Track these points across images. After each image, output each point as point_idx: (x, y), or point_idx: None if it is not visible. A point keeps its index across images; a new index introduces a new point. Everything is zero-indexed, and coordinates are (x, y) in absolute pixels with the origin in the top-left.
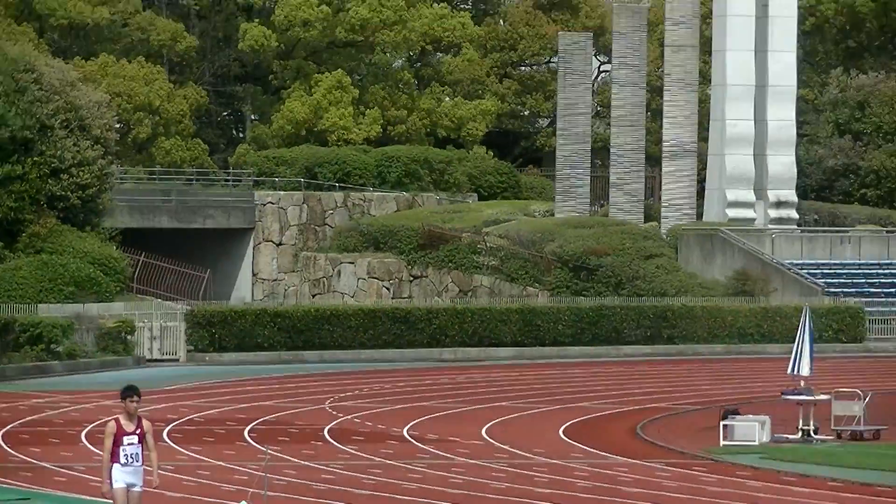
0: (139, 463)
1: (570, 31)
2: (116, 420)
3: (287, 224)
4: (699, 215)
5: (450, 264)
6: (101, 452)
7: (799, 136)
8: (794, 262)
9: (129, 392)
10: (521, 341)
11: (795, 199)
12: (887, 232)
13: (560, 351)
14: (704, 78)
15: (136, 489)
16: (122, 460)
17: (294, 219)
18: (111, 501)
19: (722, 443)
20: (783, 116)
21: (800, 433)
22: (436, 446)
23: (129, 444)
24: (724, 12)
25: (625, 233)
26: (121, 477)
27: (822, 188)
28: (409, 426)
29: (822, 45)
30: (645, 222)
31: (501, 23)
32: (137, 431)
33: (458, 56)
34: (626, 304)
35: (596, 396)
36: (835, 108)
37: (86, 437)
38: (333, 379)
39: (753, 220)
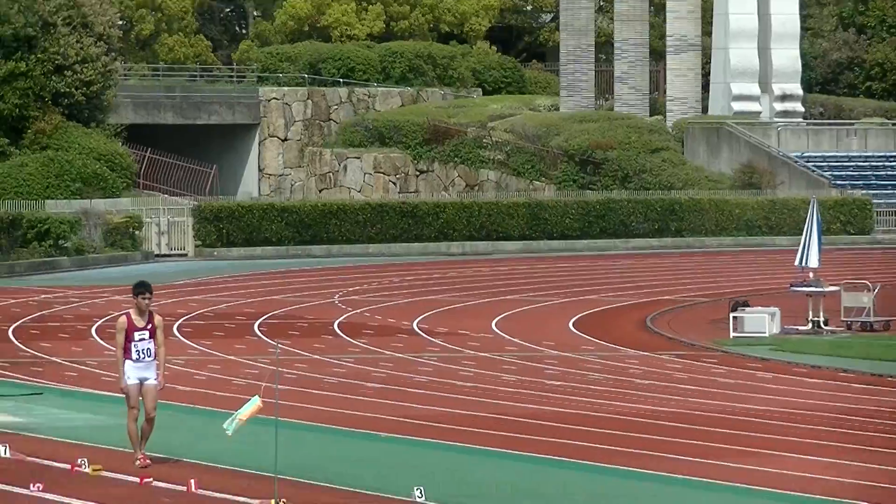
0: (151, 358)
1: None
2: (127, 315)
3: (292, 120)
4: (704, 109)
5: (456, 159)
6: (111, 347)
7: (803, 29)
8: (801, 154)
9: (142, 289)
10: (529, 235)
11: (801, 92)
12: (893, 124)
13: (568, 244)
14: None
15: (151, 381)
16: (134, 356)
17: (299, 114)
18: (125, 397)
19: (732, 334)
20: (787, 10)
21: (809, 325)
22: (445, 339)
23: (140, 340)
24: None
25: (630, 126)
26: (133, 373)
27: (826, 81)
28: (418, 320)
29: None
30: (650, 116)
31: None
32: (149, 327)
33: None
34: (633, 197)
35: (605, 289)
36: (838, 0)
37: (96, 332)
38: (341, 273)
39: (759, 113)
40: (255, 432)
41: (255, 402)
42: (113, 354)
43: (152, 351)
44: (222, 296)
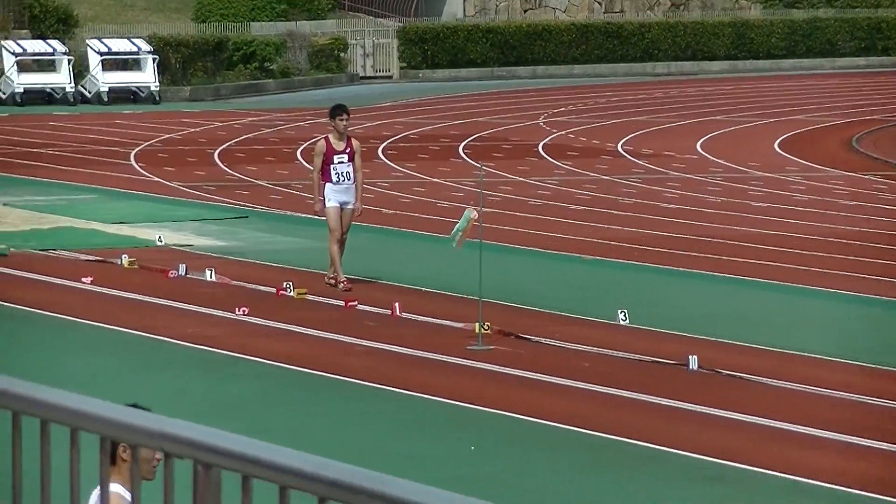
0: (350, 181)
1: None
2: (326, 139)
3: None
4: None
5: None
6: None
7: None
8: None
9: (339, 111)
10: (734, 54)
11: None
12: None
13: (773, 64)
14: None
15: (349, 206)
16: (334, 178)
17: None
18: (325, 218)
19: None
20: None
21: None
22: (650, 161)
23: (339, 163)
24: None
25: None
26: (333, 196)
27: None
28: (622, 141)
29: None
30: None
31: None
32: (347, 150)
33: None
34: (840, 15)
35: (810, 109)
36: None
37: (301, 154)
38: (546, 95)
39: None
40: (459, 255)
41: (469, 216)
42: (313, 178)
43: (351, 174)
44: (427, 118)
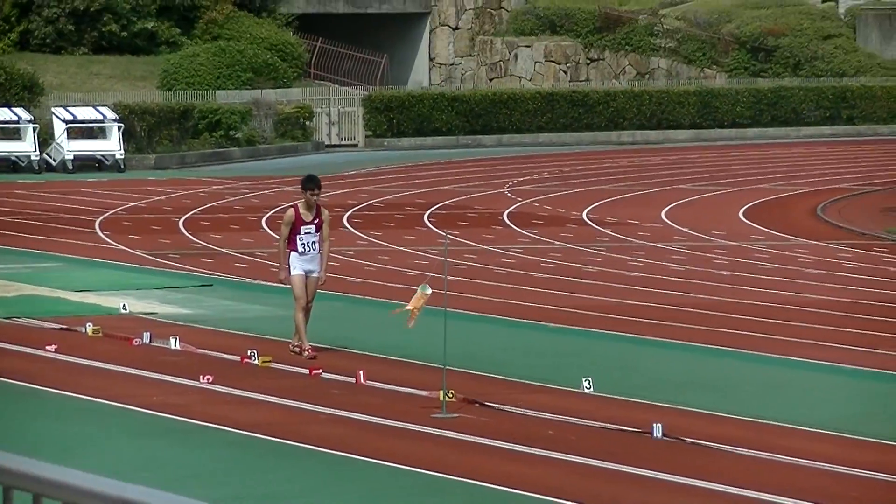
0: (316, 251)
1: None
2: (295, 208)
3: (463, 8)
4: None
5: (627, 47)
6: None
7: None
8: None
9: (310, 184)
10: (700, 123)
11: None
12: None
13: (738, 133)
14: None
15: (315, 275)
16: (300, 249)
17: (470, 2)
18: (290, 287)
19: None
20: None
21: None
22: (615, 229)
23: (306, 233)
24: None
25: (802, 13)
26: (299, 264)
27: None
28: (588, 209)
29: None
30: (823, 2)
31: None
32: (315, 221)
33: None
34: (804, 84)
35: (775, 178)
36: None
37: (266, 223)
38: (511, 163)
39: None
40: (424, 323)
41: (422, 291)
42: (279, 246)
43: (318, 245)
44: (392, 186)
